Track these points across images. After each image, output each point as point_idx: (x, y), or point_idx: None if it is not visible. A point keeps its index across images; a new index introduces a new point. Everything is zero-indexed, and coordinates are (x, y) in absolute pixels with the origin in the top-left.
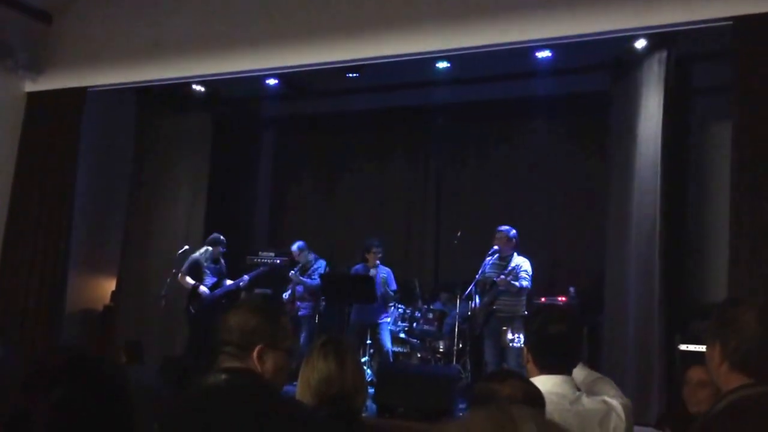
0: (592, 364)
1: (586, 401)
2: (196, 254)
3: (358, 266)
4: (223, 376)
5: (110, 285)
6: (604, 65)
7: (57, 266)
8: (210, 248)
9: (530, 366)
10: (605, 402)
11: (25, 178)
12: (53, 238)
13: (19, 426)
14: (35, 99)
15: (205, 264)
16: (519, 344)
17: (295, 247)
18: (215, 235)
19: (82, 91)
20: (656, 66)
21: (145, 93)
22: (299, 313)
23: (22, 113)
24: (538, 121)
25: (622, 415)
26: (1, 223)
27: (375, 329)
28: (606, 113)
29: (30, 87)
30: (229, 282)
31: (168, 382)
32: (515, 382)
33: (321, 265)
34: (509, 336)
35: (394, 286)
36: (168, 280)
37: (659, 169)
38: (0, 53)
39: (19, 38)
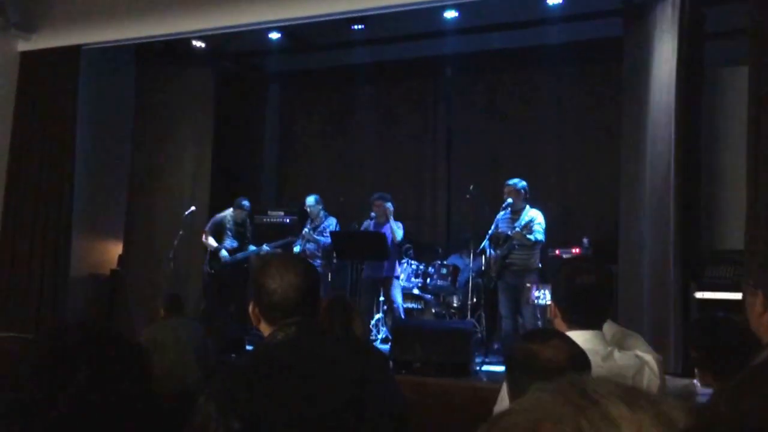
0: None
1: (618, 356)
2: (221, 215)
3: (366, 222)
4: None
5: (117, 249)
6: (616, 11)
7: (59, 231)
8: (233, 210)
9: (558, 321)
10: (638, 357)
11: (23, 141)
12: (55, 202)
13: (41, 409)
14: (29, 58)
15: (228, 225)
16: (545, 301)
17: (311, 199)
18: (241, 198)
19: (76, 49)
20: (669, 10)
21: (144, 50)
22: None
23: (17, 74)
24: (550, 69)
25: (656, 369)
26: (0, 188)
27: (386, 284)
28: (618, 60)
29: (23, 46)
30: (252, 248)
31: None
32: (559, 343)
33: (331, 222)
34: (534, 293)
35: (399, 237)
36: (175, 241)
37: (673, 115)
38: None
39: None
